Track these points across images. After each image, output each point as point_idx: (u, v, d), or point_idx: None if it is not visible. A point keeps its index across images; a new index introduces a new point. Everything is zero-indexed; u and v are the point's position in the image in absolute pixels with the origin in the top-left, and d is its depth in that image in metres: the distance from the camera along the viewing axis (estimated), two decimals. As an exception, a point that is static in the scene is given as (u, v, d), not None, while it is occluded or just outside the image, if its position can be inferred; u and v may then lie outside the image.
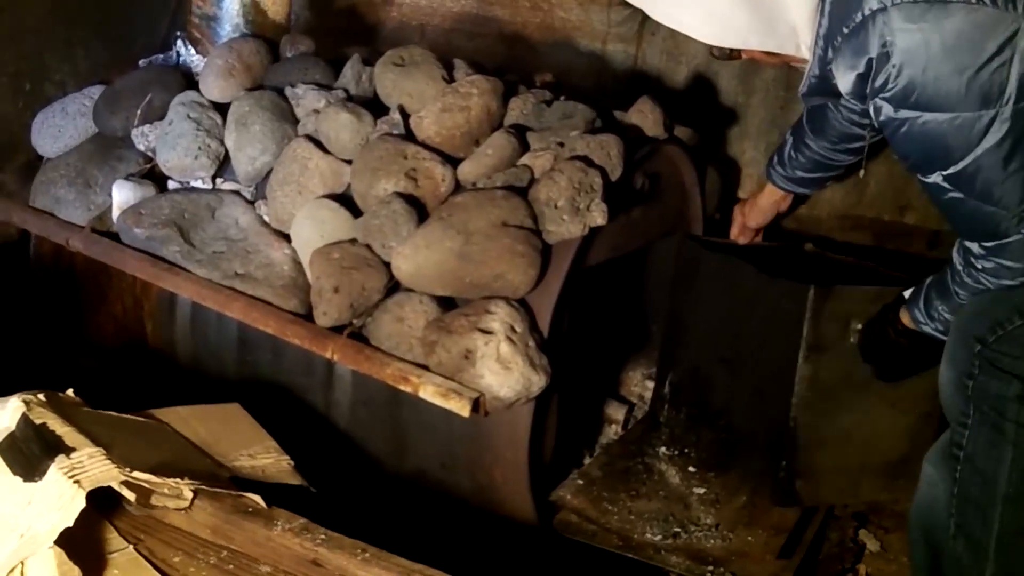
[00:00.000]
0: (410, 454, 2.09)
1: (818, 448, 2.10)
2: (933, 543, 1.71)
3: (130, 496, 1.54)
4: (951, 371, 1.69)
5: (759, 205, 2.34)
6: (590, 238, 1.97)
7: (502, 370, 1.81)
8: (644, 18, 2.93)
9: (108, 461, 1.51)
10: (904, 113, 1.51)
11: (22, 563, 1.42)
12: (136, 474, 1.52)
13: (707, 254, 2.32)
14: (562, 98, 2.21)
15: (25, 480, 1.48)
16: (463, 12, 3.17)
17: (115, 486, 1.51)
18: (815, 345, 2.04)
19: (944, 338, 1.77)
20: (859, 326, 2.02)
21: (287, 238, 2.13)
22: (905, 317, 1.85)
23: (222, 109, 2.31)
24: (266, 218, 2.21)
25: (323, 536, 1.58)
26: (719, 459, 2.32)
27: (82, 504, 1.42)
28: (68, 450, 1.52)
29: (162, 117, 2.34)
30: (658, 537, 2.10)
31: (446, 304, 1.95)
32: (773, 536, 2.09)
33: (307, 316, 2.02)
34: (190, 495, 1.62)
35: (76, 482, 1.44)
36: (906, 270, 2.22)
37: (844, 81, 1.56)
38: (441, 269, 1.88)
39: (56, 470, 1.47)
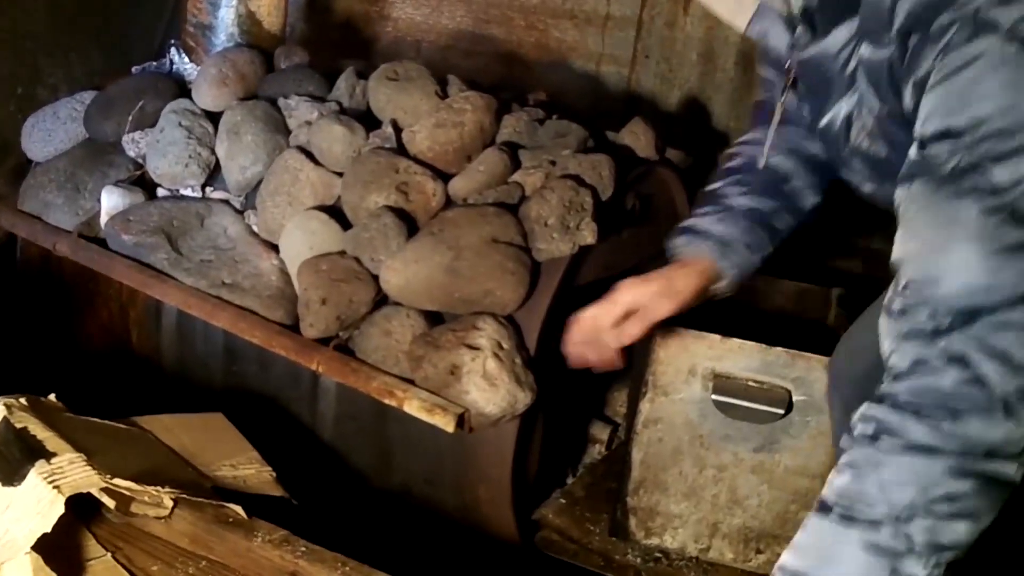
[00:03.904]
0: (395, 469, 2.08)
1: (658, 491, 2.06)
2: None
3: (110, 503, 1.53)
4: None
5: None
6: (580, 257, 1.97)
7: (488, 386, 1.81)
8: (637, 41, 3.00)
9: (89, 467, 1.50)
10: None
11: (-2, 568, 1.41)
12: (117, 481, 1.51)
13: None
14: (555, 117, 2.21)
15: (4, 484, 1.47)
16: (459, 30, 3.18)
17: (95, 493, 1.49)
18: (658, 386, 2.00)
19: None
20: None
21: (276, 248, 2.13)
22: None
23: (214, 118, 2.30)
24: (255, 228, 2.20)
25: (304, 548, 1.57)
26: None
27: (61, 510, 1.40)
28: (49, 455, 1.50)
29: (154, 124, 2.33)
30: (639, 560, 2.10)
31: (434, 319, 1.95)
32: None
33: (294, 327, 2.01)
34: (170, 504, 1.61)
35: (56, 488, 1.43)
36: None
37: None
38: (430, 284, 1.88)
39: (36, 475, 1.45)
